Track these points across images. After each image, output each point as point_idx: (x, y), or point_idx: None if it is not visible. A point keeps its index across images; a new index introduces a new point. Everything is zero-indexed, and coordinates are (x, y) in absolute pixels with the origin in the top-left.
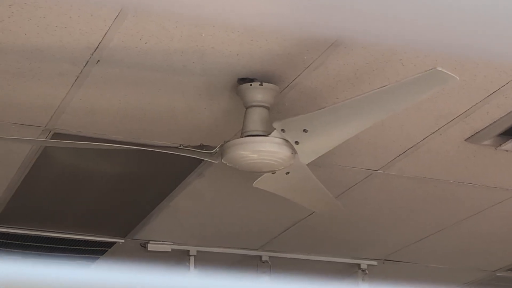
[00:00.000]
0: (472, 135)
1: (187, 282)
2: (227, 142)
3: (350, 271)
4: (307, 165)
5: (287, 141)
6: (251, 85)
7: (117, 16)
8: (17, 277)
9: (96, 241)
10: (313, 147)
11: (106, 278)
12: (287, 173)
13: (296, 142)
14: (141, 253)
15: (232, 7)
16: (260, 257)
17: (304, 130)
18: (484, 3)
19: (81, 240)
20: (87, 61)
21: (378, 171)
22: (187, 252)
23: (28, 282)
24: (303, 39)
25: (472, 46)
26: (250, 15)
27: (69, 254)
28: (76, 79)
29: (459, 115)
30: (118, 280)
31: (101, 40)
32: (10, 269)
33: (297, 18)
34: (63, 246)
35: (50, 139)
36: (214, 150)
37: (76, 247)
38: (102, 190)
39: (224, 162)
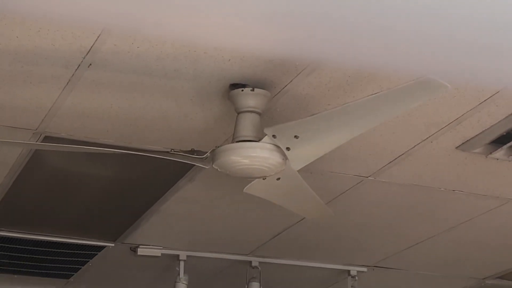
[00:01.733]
0: (463, 143)
1: (176, 287)
2: (218, 147)
3: (339, 277)
4: (298, 171)
5: (278, 147)
6: (242, 90)
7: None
8: None
9: (86, 245)
10: (304, 153)
11: (95, 282)
12: (278, 179)
13: (287, 148)
14: (131, 257)
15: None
16: (250, 262)
17: (295, 136)
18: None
19: (71, 244)
20: (79, 65)
21: (369, 177)
22: (177, 257)
23: None
24: (294, 49)
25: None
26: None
27: (59, 258)
28: (68, 83)
29: (450, 123)
30: (108, 284)
31: (93, 44)
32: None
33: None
34: (53, 250)
35: (41, 142)
36: (205, 155)
37: (66, 251)
38: (92, 194)
39: (215, 167)
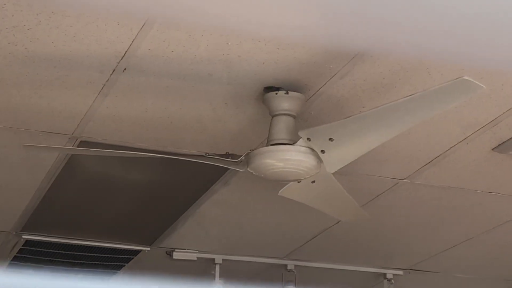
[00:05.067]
0: (500, 145)
1: None
2: (252, 150)
3: (375, 280)
4: (333, 174)
5: (313, 150)
6: (276, 93)
7: (143, 25)
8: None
9: (121, 249)
10: (339, 156)
11: (131, 286)
12: (313, 181)
13: (322, 151)
14: (166, 262)
15: (259, 19)
16: (286, 266)
17: (330, 139)
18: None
19: (107, 248)
20: (114, 69)
21: (405, 180)
22: (212, 261)
23: None
24: (329, 48)
25: (498, 58)
26: (276, 27)
27: (95, 262)
28: (102, 87)
29: (486, 124)
30: None
31: (128, 49)
32: (35, 279)
33: (323, 29)
34: (89, 254)
35: (77, 147)
36: (239, 158)
37: (102, 255)
38: (128, 198)
39: (249, 170)
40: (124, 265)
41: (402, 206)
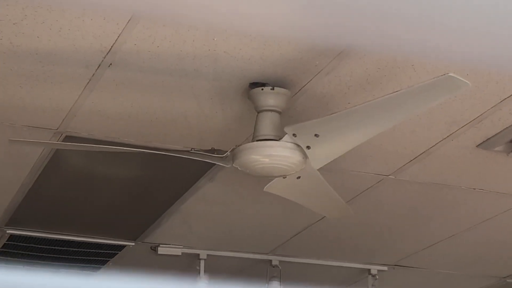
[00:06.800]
0: (484, 141)
1: (197, 286)
2: (238, 146)
3: (360, 276)
4: (318, 170)
5: (298, 145)
6: (262, 89)
7: (129, 20)
8: (25, 283)
9: (106, 244)
10: (325, 152)
11: (116, 281)
12: (298, 177)
13: (308, 147)
14: (151, 257)
15: (245, 14)
16: (270, 261)
17: (316, 135)
18: (497, 14)
19: (92, 243)
20: (99, 64)
21: (389, 176)
22: (197, 256)
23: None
24: (315, 44)
25: (483, 56)
26: (262, 23)
27: (79, 257)
28: (88, 82)
29: (471, 121)
30: (128, 283)
31: (114, 44)
32: (19, 274)
33: (309, 26)
34: (74, 249)
35: (62, 142)
36: (225, 154)
37: (87, 250)
38: (113, 193)
39: (235, 166)
40: (109, 260)
41: (386, 202)
